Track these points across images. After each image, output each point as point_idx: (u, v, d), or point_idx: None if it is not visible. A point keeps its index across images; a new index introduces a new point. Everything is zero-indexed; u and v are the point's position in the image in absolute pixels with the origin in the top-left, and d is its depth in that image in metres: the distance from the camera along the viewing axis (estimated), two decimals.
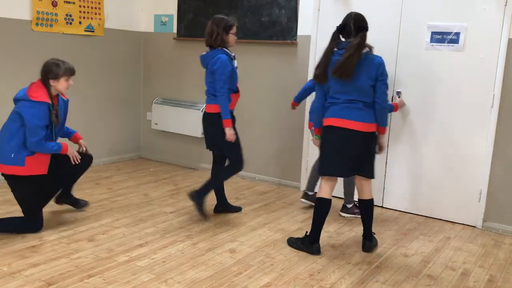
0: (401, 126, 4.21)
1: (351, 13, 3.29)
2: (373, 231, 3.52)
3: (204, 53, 3.82)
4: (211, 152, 5.64)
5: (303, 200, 4.35)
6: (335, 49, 3.21)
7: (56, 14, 4.94)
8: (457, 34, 3.93)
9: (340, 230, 3.87)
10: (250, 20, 5.10)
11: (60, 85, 3.36)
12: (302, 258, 3.32)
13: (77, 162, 3.53)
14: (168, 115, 5.69)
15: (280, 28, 4.92)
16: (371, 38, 4.38)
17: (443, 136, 4.10)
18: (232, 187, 4.96)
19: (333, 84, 3.21)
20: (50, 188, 3.54)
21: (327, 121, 3.27)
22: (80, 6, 5.16)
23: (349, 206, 4.18)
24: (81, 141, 3.68)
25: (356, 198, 4.31)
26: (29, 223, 3.46)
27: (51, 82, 3.33)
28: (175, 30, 5.67)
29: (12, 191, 3.48)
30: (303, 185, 4.97)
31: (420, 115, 4.10)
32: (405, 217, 4.27)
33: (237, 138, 3.87)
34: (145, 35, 5.94)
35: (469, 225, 4.14)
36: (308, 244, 3.41)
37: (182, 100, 5.68)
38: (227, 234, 3.68)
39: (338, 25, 3.25)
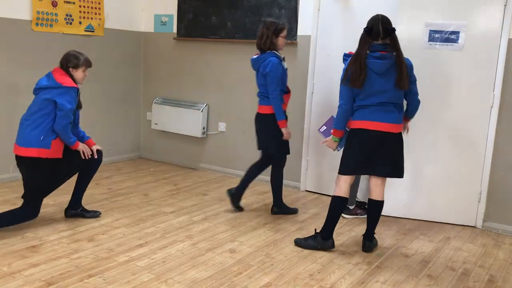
0: None
1: (378, 15, 3.24)
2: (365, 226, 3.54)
3: (255, 56, 3.93)
4: (210, 152, 5.66)
5: (345, 215, 4.20)
6: (368, 52, 3.18)
7: (56, 14, 4.94)
8: (457, 33, 3.93)
9: (340, 230, 3.86)
10: (250, 20, 5.10)
11: (78, 74, 3.59)
12: (302, 258, 3.32)
13: (87, 157, 3.66)
14: (168, 115, 5.69)
15: None
16: None
17: (442, 136, 4.09)
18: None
19: (367, 88, 3.19)
20: (61, 176, 3.63)
21: (358, 124, 3.27)
22: (80, 6, 5.16)
23: (352, 207, 4.18)
24: (94, 147, 3.76)
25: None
26: (28, 209, 3.51)
27: (71, 70, 3.56)
28: (175, 30, 5.67)
29: (25, 175, 3.52)
30: (303, 185, 4.97)
31: (419, 115, 4.07)
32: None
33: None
34: (145, 35, 5.94)
35: (469, 225, 4.14)
36: (321, 240, 3.45)
37: (182, 100, 5.68)
38: (227, 234, 3.69)
39: (365, 27, 3.20)
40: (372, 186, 3.42)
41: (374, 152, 3.27)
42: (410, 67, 3.25)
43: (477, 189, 4.08)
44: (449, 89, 4.02)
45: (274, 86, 3.79)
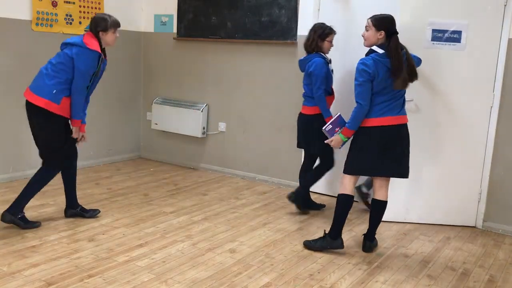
0: None
1: (391, 16, 3.30)
2: (366, 226, 3.55)
3: (302, 57, 4.07)
4: (210, 152, 5.65)
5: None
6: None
7: (56, 14, 4.94)
8: (459, 32, 3.92)
9: None
10: (250, 20, 5.10)
11: (108, 37, 3.58)
12: (302, 258, 3.32)
13: (77, 138, 3.65)
14: (168, 115, 5.69)
15: (280, 28, 4.91)
16: None
17: (443, 136, 4.09)
18: (232, 187, 4.97)
19: (387, 85, 3.22)
20: (67, 136, 3.63)
21: (370, 122, 3.26)
22: (80, 6, 5.16)
23: None
24: (81, 133, 3.74)
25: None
26: (51, 165, 3.57)
27: (101, 34, 3.55)
28: (175, 30, 5.67)
29: (37, 131, 3.53)
30: None
31: (419, 115, 4.09)
32: None
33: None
34: (145, 35, 5.94)
35: (469, 225, 4.14)
36: (330, 240, 3.44)
37: (182, 100, 5.68)
38: (227, 234, 3.69)
39: (392, 28, 3.24)
40: (376, 187, 3.42)
41: (381, 151, 3.27)
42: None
43: (477, 189, 4.08)
44: (450, 89, 4.02)
45: (318, 85, 3.87)
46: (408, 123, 3.36)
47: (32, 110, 3.49)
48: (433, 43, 3.97)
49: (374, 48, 3.24)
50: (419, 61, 3.60)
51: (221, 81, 5.42)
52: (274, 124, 5.10)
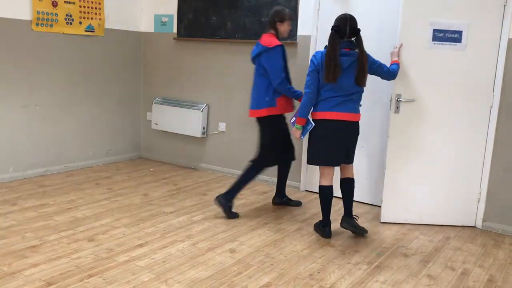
0: (400, 126, 4.19)
1: (346, 15, 3.55)
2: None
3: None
4: (210, 152, 5.62)
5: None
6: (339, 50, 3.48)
7: (56, 14, 4.94)
8: (459, 32, 3.92)
9: (340, 230, 3.87)
10: (250, 20, 5.10)
11: (284, 27, 3.91)
12: (302, 258, 3.33)
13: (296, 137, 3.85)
14: (168, 115, 5.69)
15: None
16: (371, 37, 4.36)
17: (443, 136, 4.09)
18: None
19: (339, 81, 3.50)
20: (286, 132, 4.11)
21: (320, 115, 3.58)
22: (80, 6, 5.16)
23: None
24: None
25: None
26: (264, 159, 4.05)
27: (278, 25, 3.88)
28: (175, 30, 5.67)
29: (263, 134, 4.02)
30: (303, 185, 4.97)
31: (419, 115, 4.09)
32: None
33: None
34: (145, 35, 5.94)
35: (469, 225, 4.14)
36: (321, 228, 3.76)
37: (182, 100, 5.68)
38: (227, 234, 3.69)
39: (333, 26, 3.48)
40: (343, 169, 3.76)
41: (330, 143, 3.56)
42: (371, 62, 3.57)
43: (477, 189, 4.08)
44: (450, 88, 4.02)
45: None
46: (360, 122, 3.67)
47: (259, 123, 3.99)
48: (434, 43, 3.97)
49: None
50: (389, 72, 3.75)
51: (221, 81, 5.42)
52: None
